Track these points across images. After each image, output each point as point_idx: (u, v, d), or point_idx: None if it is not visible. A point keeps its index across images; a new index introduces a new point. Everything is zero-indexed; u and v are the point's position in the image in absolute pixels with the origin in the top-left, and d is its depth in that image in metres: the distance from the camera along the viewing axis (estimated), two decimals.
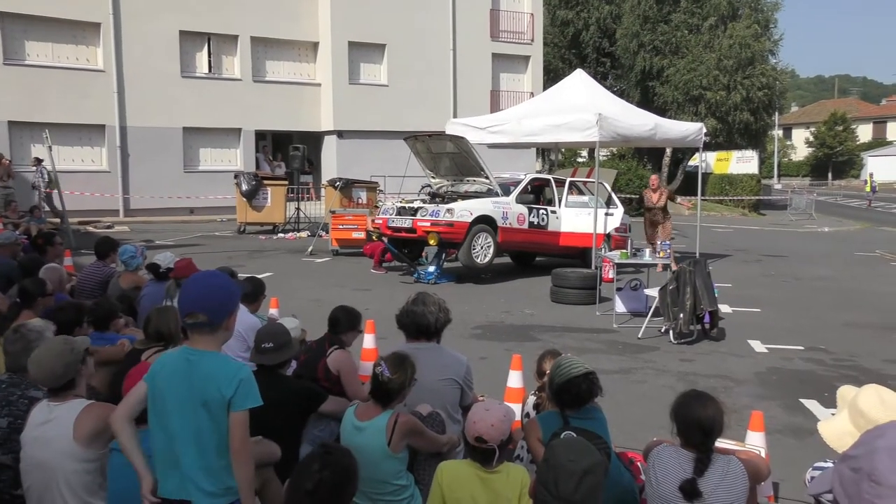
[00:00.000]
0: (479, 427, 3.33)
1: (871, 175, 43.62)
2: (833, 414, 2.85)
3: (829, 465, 2.87)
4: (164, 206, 22.75)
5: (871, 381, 2.93)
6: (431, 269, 12.61)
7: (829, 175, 62.56)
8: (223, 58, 25.32)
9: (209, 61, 25.03)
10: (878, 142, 65.02)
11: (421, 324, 4.45)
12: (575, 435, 3.38)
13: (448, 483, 3.35)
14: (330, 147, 26.75)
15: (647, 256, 9.67)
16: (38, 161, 19.46)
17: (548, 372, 4.34)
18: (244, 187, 19.34)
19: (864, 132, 67.26)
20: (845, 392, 2.81)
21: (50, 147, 17.38)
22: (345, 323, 5.14)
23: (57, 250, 8.69)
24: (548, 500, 2.55)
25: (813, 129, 64.99)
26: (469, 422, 3.42)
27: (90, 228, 19.56)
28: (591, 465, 2.58)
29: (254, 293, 5.94)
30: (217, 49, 25.14)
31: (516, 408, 5.13)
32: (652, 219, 14.64)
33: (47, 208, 18.41)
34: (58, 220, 17.52)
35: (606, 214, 13.64)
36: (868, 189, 40.94)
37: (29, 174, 20.68)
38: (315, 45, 26.74)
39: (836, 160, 62.52)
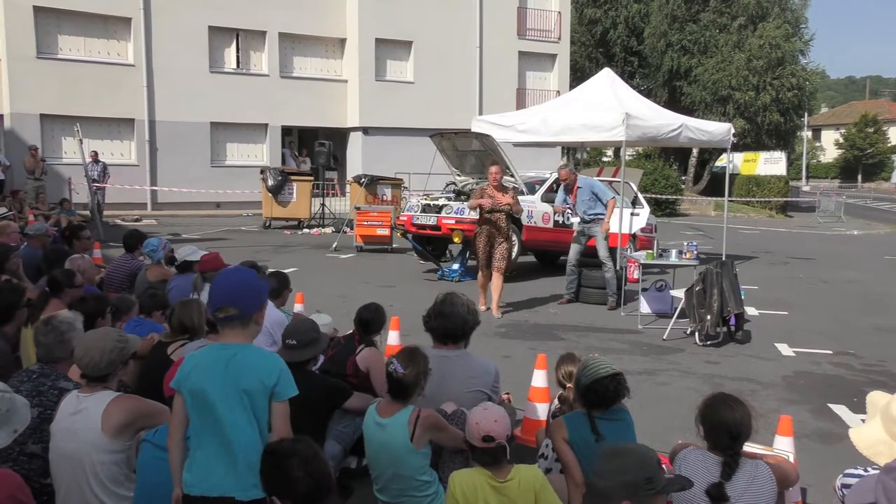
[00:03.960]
0: (484, 426, 3.33)
1: None
2: (863, 420, 2.82)
3: (861, 471, 2.83)
4: (191, 200, 22.82)
5: None
6: (455, 266, 12.57)
7: (859, 177, 61.62)
8: (251, 53, 25.47)
9: (237, 57, 25.17)
10: None
11: (449, 327, 4.38)
12: None
13: (462, 493, 3.34)
14: (355, 143, 26.83)
15: (673, 257, 9.51)
16: (95, 155, 19.75)
17: (567, 383, 4.40)
18: (270, 182, 19.40)
19: None
20: (876, 398, 2.75)
21: (80, 140, 17.60)
22: (375, 323, 5.18)
23: (84, 244, 8.67)
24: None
25: (843, 131, 64.08)
26: (471, 424, 3.41)
27: (119, 221, 19.79)
28: (631, 451, 2.59)
29: (278, 288, 5.97)
30: (245, 45, 25.28)
31: (542, 407, 5.14)
32: (490, 229, 9.56)
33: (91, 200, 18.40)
34: (87, 213, 17.71)
35: (632, 214, 13.45)
36: None
37: (62, 166, 21.11)
38: (342, 42, 26.82)
39: (866, 162, 61.58)
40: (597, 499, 2.45)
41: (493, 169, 9.67)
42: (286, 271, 6.87)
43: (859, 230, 26.54)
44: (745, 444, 3.21)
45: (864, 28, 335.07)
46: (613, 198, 11.04)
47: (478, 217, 9.78)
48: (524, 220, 12.54)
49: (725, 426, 3.13)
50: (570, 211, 11.20)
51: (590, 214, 10.74)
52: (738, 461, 3.13)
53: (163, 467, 3.15)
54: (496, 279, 9.57)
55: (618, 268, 11.12)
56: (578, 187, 10.75)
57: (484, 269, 9.62)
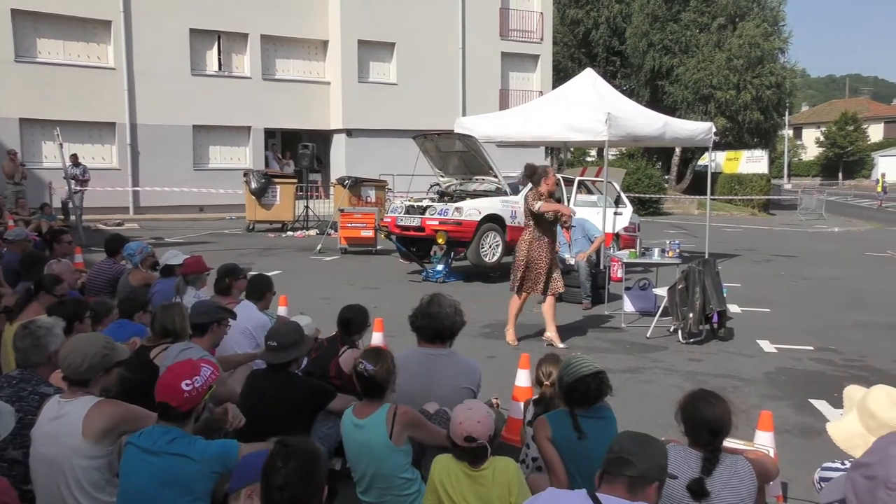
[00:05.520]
0: (467, 426, 3.33)
1: (882, 175, 43.29)
2: (842, 414, 2.84)
3: (838, 465, 2.87)
4: (174, 204, 22.76)
5: (881, 382, 2.89)
6: (440, 267, 12.56)
7: (840, 175, 62.19)
8: (233, 56, 25.38)
9: (219, 59, 25.07)
10: (889, 141, 64.64)
11: (438, 328, 4.40)
12: None
13: (439, 478, 3.40)
14: (339, 145, 26.80)
15: (656, 256, 9.48)
16: (75, 158, 19.54)
17: (545, 381, 4.43)
18: (253, 185, 19.30)
19: (875, 132, 66.92)
20: (852, 392, 2.78)
21: (61, 144, 17.37)
22: (356, 323, 5.18)
23: (64, 248, 8.71)
24: (611, 457, 2.64)
25: (823, 129, 64.68)
26: (454, 423, 3.40)
27: (100, 225, 19.62)
28: (655, 439, 2.68)
29: (260, 290, 5.96)
30: (227, 47, 25.18)
31: None
32: (539, 234, 8.08)
33: (73, 204, 18.24)
34: (72, 217, 17.53)
35: (615, 214, 13.58)
36: (879, 189, 40.64)
37: (42, 171, 20.93)
38: (325, 44, 26.77)
39: (846, 160, 62.16)
40: (616, 475, 2.58)
41: (552, 172, 8.28)
42: (269, 274, 6.79)
43: (840, 227, 26.61)
44: (726, 439, 3.23)
45: (844, 26, 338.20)
46: (601, 236, 11.20)
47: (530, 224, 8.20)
48: (508, 220, 12.61)
49: (705, 422, 3.15)
50: (561, 249, 10.96)
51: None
52: (718, 457, 3.15)
53: (147, 470, 3.15)
54: (551, 302, 8.25)
55: (601, 267, 11.17)
56: (573, 226, 10.77)
57: (526, 291, 8.11)
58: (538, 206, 7.86)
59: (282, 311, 7.67)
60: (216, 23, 24.45)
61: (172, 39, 23.62)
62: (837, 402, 6.27)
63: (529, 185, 12.65)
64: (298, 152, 21.19)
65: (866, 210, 36.25)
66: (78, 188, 18.29)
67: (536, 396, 4.56)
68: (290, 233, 19.41)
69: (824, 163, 64.28)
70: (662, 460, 2.65)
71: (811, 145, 67.67)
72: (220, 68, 25.12)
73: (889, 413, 2.53)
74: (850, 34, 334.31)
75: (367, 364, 3.77)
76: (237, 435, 3.69)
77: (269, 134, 26.69)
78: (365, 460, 3.77)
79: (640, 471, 2.56)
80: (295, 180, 20.48)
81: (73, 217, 17.55)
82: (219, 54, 25.05)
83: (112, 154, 23.51)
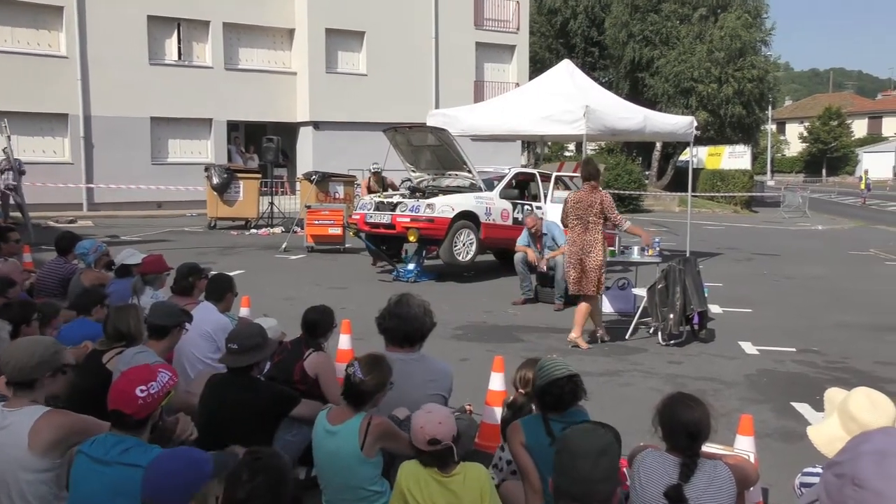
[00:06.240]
0: (429, 429, 3.33)
1: (865, 172, 43.40)
2: (823, 418, 2.87)
3: (819, 470, 2.85)
4: (131, 200, 22.37)
5: (863, 384, 2.93)
6: (411, 266, 12.36)
7: (824, 171, 62.28)
8: (194, 44, 24.97)
9: (179, 48, 24.65)
10: (873, 137, 65.25)
11: (407, 330, 4.37)
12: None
13: (407, 485, 3.38)
14: (305, 139, 26.52)
15: (635, 255, 9.50)
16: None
17: (520, 388, 4.45)
18: (215, 180, 19.03)
19: (859, 127, 67.35)
20: (833, 395, 2.80)
21: (8, 137, 16.95)
22: (322, 325, 5.11)
23: (11, 247, 8.49)
24: (566, 485, 2.55)
25: (807, 124, 64.87)
26: (416, 428, 3.39)
27: (51, 223, 19.24)
28: (605, 445, 2.61)
29: (221, 291, 5.84)
30: (187, 35, 24.77)
31: (500, 411, 5.09)
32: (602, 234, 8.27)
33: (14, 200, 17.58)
34: (19, 213, 17.06)
35: None
36: (863, 186, 40.66)
37: None
38: (291, 32, 26.49)
39: (830, 156, 62.33)
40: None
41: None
42: (232, 274, 6.79)
43: (824, 225, 26.84)
44: (705, 444, 3.21)
45: (828, 19, 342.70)
46: (564, 245, 10.73)
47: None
48: (482, 217, 12.53)
49: (683, 426, 3.13)
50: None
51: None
52: (696, 462, 3.13)
53: (98, 480, 3.07)
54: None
55: None
56: (543, 234, 10.68)
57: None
58: (627, 225, 8.33)
59: (244, 312, 7.64)
60: (176, 9, 23.99)
61: (129, 26, 23.00)
62: (819, 405, 6.36)
63: (506, 187, 12.29)
64: (263, 146, 20.95)
65: (850, 207, 36.67)
66: (17, 182, 17.62)
67: (510, 400, 4.60)
68: (253, 230, 19.18)
69: (808, 159, 64.49)
70: (617, 461, 2.64)
71: (794, 141, 67.99)
72: (179, 57, 24.61)
73: (869, 416, 2.56)
74: (833, 27, 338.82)
75: (358, 370, 3.70)
76: (196, 444, 3.61)
77: (232, 126, 26.31)
78: (333, 469, 3.74)
79: (609, 492, 2.52)
80: (259, 175, 20.28)
81: (20, 214, 17.08)
82: (178, 42, 24.57)
83: (64, 147, 22.96)
